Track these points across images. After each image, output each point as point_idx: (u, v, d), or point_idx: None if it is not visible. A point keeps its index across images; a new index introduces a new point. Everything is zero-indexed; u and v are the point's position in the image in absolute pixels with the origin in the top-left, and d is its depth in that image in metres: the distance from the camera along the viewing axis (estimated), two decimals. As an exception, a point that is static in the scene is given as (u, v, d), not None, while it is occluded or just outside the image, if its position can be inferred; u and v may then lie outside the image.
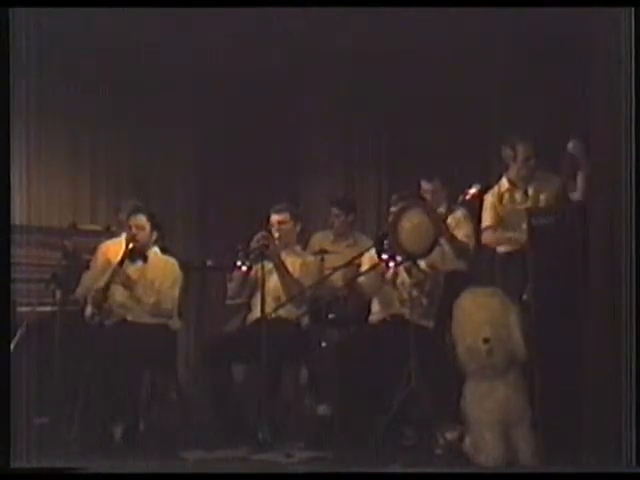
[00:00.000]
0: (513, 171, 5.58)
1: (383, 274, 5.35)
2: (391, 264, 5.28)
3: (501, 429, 4.36)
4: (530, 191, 5.55)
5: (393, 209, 5.44)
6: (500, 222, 5.57)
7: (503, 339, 4.39)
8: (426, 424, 4.83)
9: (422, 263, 5.16)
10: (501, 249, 5.65)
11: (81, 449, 5.04)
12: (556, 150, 5.34)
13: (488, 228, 5.63)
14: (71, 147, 7.32)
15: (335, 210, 6.44)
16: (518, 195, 5.59)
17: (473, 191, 5.57)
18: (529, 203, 5.50)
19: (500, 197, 5.60)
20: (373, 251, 5.36)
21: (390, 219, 5.24)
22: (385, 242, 5.17)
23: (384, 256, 5.18)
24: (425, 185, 5.94)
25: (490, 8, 4.81)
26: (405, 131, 7.12)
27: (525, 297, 4.96)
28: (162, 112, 7.49)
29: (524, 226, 4.96)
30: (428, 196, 5.91)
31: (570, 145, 5.12)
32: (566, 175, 5.20)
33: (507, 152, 5.57)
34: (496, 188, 5.65)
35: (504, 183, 5.63)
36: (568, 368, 4.44)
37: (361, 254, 5.58)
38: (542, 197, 5.50)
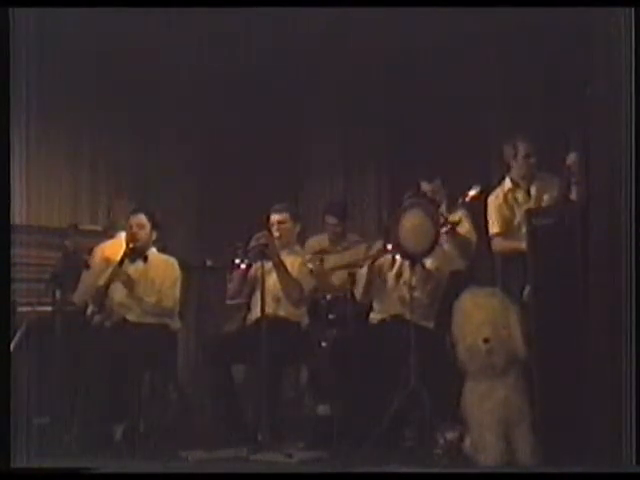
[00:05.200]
0: (515, 170, 5.57)
1: (383, 274, 5.35)
2: (391, 264, 5.29)
3: (501, 429, 4.36)
4: (532, 191, 5.55)
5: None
6: (508, 227, 5.53)
7: (503, 339, 4.39)
8: (426, 424, 4.82)
9: (422, 263, 5.16)
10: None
11: (81, 449, 5.04)
12: (556, 149, 5.33)
13: (497, 235, 5.56)
14: (71, 147, 7.32)
15: (329, 218, 6.40)
16: (520, 195, 5.58)
17: (473, 193, 5.56)
18: (531, 203, 5.49)
19: (505, 198, 5.59)
20: (373, 251, 5.35)
21: (390, 219, 5.23)
22: (385, 242, 5.17)
23: (384, 256, 5.17)
24: (425, 186, 5.93)
25: (490, 8, 4.82)
26: (405, 131, 7.12)
27: (525, 297, 4.96)
28: (162, 112, 7.49)
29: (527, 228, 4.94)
30: (429, 196, 5.91)
31: (570, 157, 5.10)
32: (566, 178, 5.19)
33: (508, 150, 5.56)
34: (499, 189, 5.64)
35: (507, 183, 5.62)
36: (568, 368, 4.43)
37: (361, 254, 5.57)
38: (544, 197, 5.49)
